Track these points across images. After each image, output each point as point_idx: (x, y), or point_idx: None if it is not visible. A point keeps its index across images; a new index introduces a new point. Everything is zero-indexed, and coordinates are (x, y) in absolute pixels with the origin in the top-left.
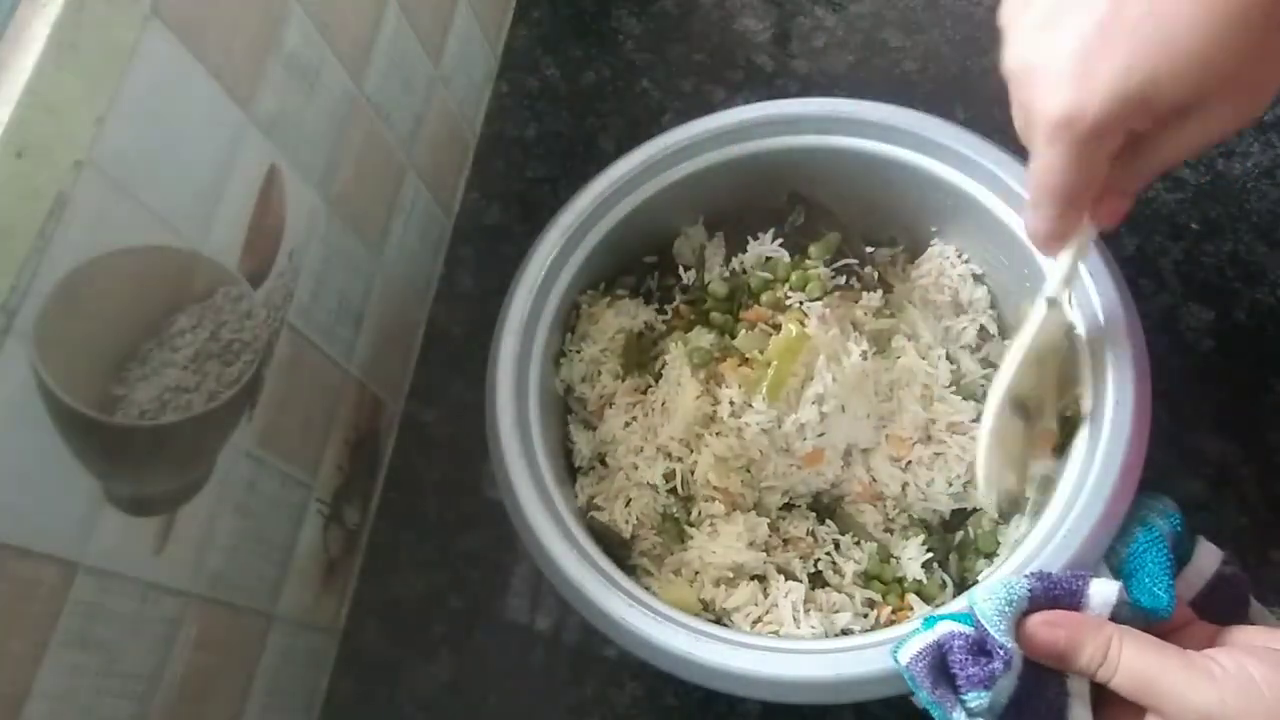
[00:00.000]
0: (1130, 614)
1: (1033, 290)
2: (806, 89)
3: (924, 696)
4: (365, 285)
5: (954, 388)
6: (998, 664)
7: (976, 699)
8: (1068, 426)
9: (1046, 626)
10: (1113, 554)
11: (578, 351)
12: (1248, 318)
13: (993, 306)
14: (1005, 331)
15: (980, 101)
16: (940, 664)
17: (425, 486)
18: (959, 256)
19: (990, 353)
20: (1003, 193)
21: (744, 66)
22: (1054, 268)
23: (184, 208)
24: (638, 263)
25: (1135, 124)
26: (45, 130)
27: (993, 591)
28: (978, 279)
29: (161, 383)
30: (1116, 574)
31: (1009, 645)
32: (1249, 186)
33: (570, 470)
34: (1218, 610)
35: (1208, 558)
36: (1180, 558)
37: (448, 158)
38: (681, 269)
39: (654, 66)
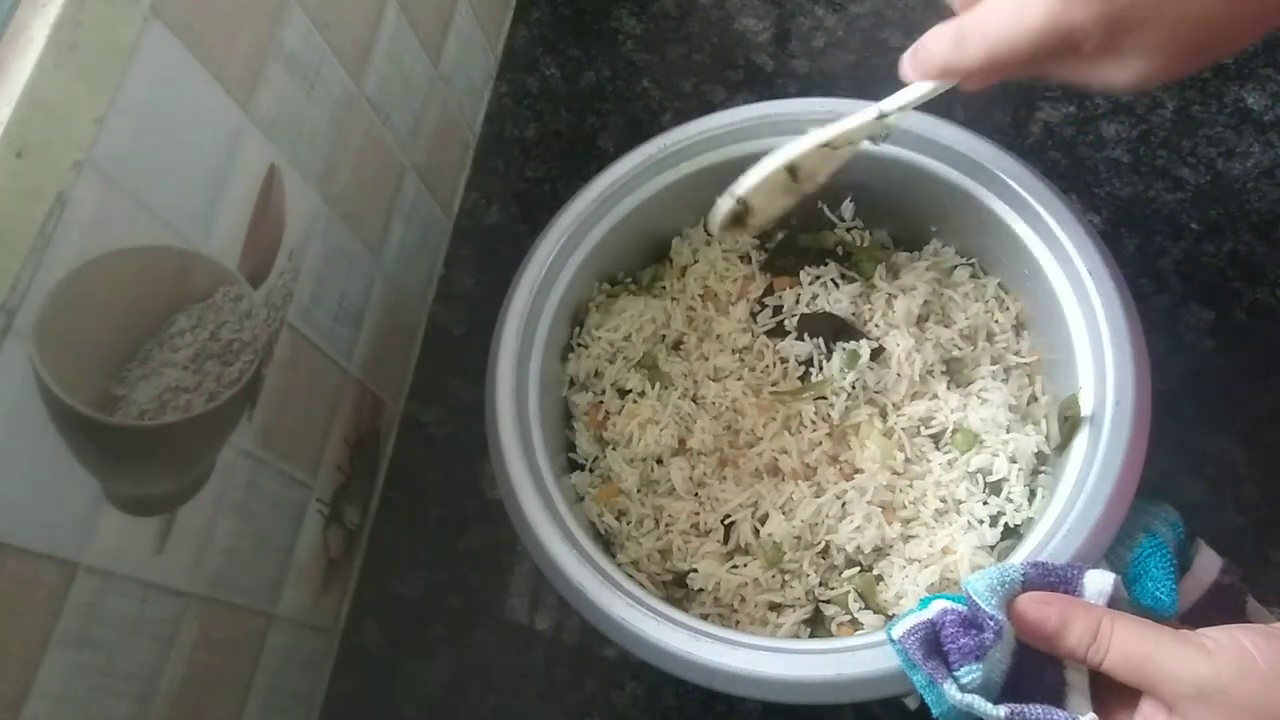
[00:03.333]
0: (1131, 610)
1: (1032, 288)
2: (806, 89)
3: (918, 677)
4: (365, 285)
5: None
6: (988, 634)
7: (969, 673)
8: (1068, 426)
9: (1037, 604)
10: (1117, 559)
11: (585, 347)
12: (1248, 318)
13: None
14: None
15: (980, 101)
16: (933, 640)
17: (425, 486)
18: (958, 255)
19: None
20: (1002, 192)
21: (744, 66)
22: (910, 92)
23: (184, 208)
24: (638, 262)
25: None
26: (45, 130)
27: (986, 573)
28: (977, 279)
29: (161, 383)
30: (1121, 578)
31: (998, 616)
32: (1249, 186)
33: (571, 468)
34: (1213, 621)
35: (1207, 566)
36: (1181, 565)
37: (448, 158)
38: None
39: (654, 66)
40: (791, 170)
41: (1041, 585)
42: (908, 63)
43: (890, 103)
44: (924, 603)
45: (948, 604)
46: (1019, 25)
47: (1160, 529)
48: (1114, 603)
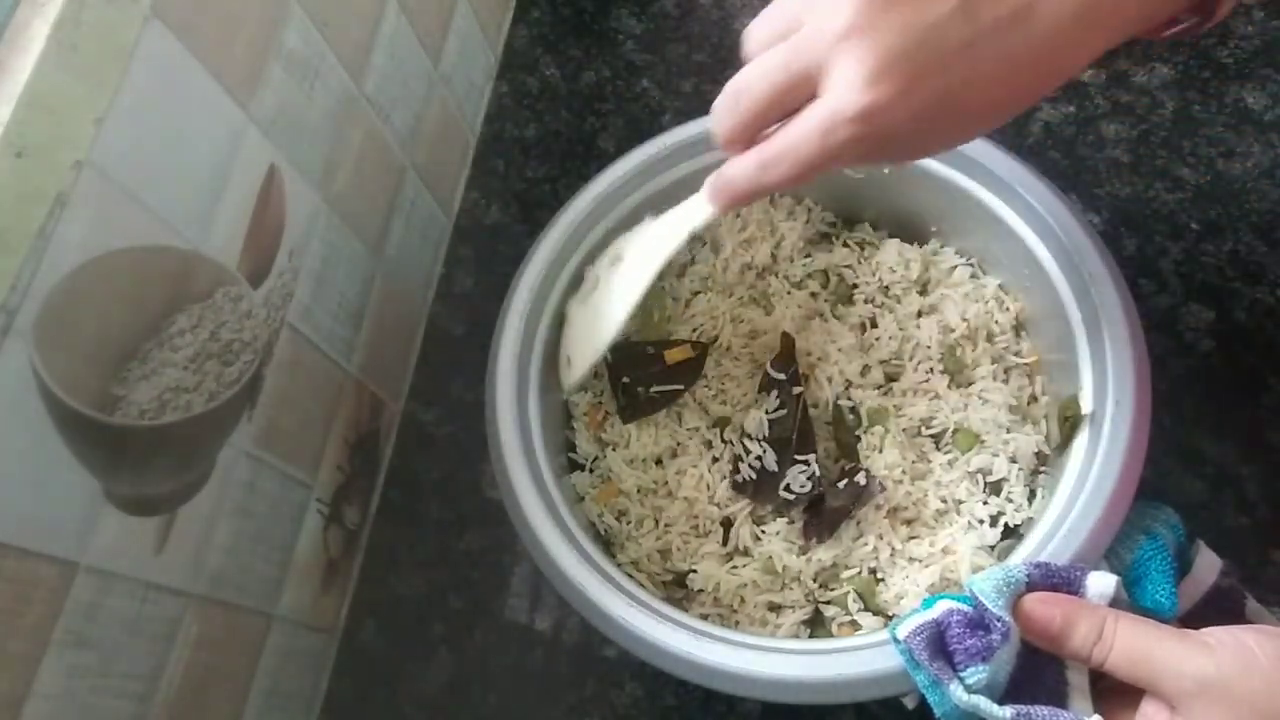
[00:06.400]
0: (1131, 612)
1: (1032, 288)
2: None
3: (921, 677)
4: (365, 285)
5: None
6: (995, 635)
7: (975, 674)
8: (1068, 426)
9: (1042, 604)
10: (1118, 561)
11: None
12: (1248, 318)
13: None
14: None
15: None
16: (938, 641)
17: (425, 486)
18: (957, 255)
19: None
20: (1002, 192)
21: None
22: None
23: (184, 208)
24: None
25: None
26: (45, 130)
27: (991, 574)
28: (977, 279)
29: (161, 383)
30: (1122, 580)
31: (1006, 617)
32: (1249, 186)
33: (571, 468)
34: (1212, 623)
35: (1207, 568)
36: (1181, 568)
37: (448, 158)
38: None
39: (654, 66)
40: None
41: (1045, 586)
42: (709, 190)
43: (698, 219)
44: (928, 603)
45: (953, 604)
46: (828, 141)
47: (1160, 531)
48: (1115, 604)
